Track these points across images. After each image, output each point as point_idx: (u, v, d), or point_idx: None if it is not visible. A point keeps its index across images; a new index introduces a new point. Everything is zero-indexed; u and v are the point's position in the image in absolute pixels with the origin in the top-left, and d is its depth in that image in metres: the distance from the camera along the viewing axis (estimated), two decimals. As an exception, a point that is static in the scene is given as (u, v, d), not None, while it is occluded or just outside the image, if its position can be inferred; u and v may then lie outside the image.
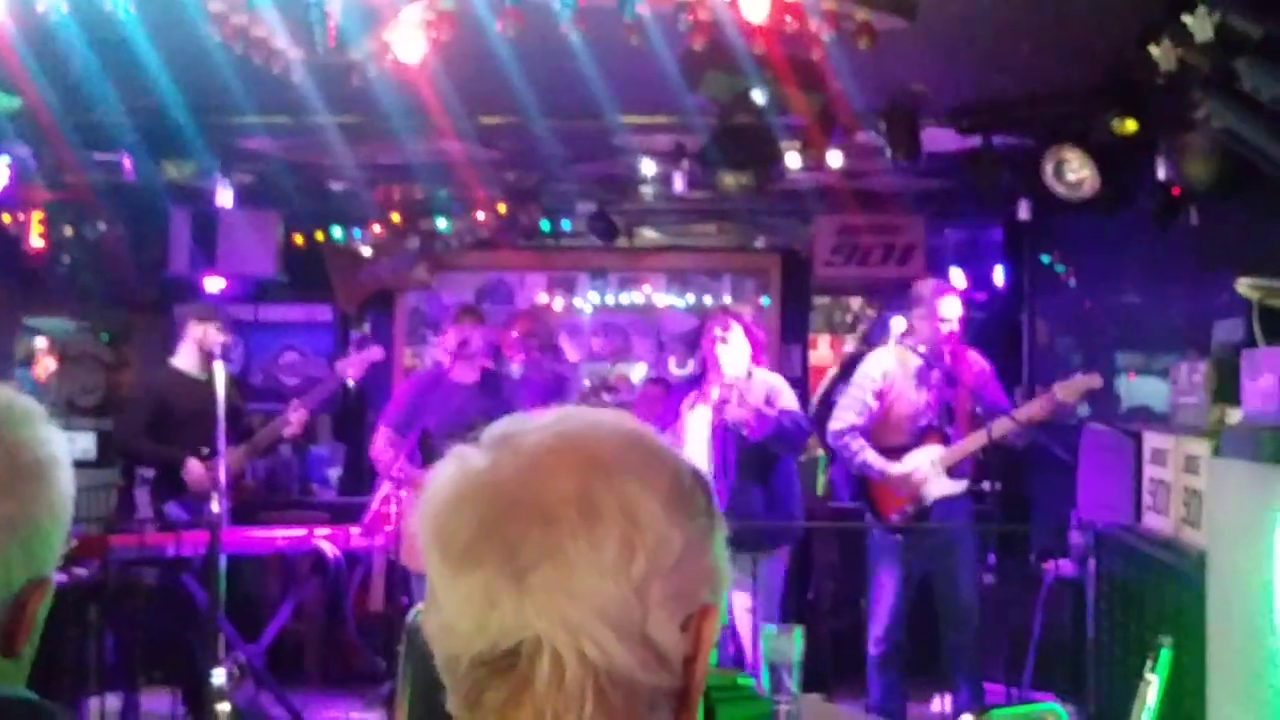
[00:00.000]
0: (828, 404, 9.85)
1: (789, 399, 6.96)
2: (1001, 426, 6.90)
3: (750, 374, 6.92)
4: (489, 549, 1.16)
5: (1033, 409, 7.00)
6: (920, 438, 7.10)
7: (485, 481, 1.20)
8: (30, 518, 1.51)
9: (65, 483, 1.58)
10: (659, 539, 1.17)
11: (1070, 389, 6.89)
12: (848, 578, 8.34)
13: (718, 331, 6.91)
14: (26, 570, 1.51)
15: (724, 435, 6.79)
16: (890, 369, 7.16)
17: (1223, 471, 4.63)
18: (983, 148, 6.61)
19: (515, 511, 1.17)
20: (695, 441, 6.79)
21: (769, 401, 6.84)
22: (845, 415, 7.18)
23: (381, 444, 7.50)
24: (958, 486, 7.05)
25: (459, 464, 1.23)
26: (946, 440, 7.07)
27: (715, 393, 6.82)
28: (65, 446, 1.60)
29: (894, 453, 7.11)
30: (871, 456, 7.07)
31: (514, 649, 1.15)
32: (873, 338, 9.76)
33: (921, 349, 7.11)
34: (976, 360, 7.27)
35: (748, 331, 6.98)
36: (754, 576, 6.66)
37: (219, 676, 5.98)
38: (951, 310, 7.07)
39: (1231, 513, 4.47)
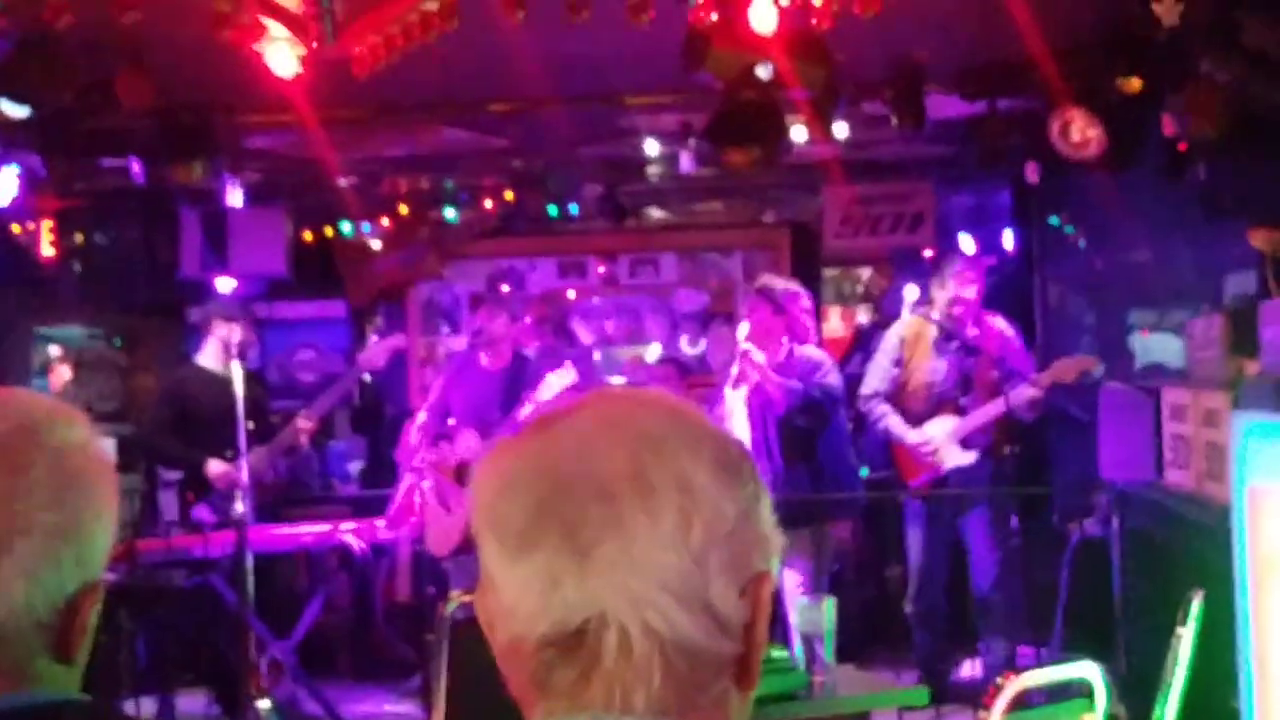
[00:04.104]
0: (846, 377, 9.89)
1: (826, 374, 6.98)
2: (1019, 394, 6.95)
3: (792, 352, 6.97)
4: (548, 529, 1.17)
5: (1044, 378, 7.07)
6: (937, 407, 7.18)
7: (537, 464, 1.21)
8: (80, 524, 1.52)
9: (110, 486, 1.60)
10: (713, 509, 1.19)
11: (1067, 366, 7.05)
12: (873, 547, 8.37)
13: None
14: (79, 576, 1.52)
15: (763, 415, 6.83)
16: (908, 337, 7.35)
17: (1244, 423, 4.64)
18: (988, 112, 6.61)
19: (572, 490, 1.18)
20: (737, 425, 6.81)
21: (805, 377, 6.87)
22: (870, 381, 7.41)
23: (414, 430, 7.51)
24: (968, 458, 7.15)
25: (505, 450, 1.24)
26: (961, 411, 7.15)
27: (735, 369, 6.87)
28: (107, 450, 1.62)
29: (914, 419, 7.24)
30: (894, 422, 7.24)
31: (581, 627, 1.16)
32: (887, 308, 9.77)
33: (935, 315, 7.20)
34: (1002, 328, 7.32)
35: (786, 304, 7.02)
36: (812, 552, 6.75)
37: (260, 673, 6.02)
38: (969, 291, 7.19)
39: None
